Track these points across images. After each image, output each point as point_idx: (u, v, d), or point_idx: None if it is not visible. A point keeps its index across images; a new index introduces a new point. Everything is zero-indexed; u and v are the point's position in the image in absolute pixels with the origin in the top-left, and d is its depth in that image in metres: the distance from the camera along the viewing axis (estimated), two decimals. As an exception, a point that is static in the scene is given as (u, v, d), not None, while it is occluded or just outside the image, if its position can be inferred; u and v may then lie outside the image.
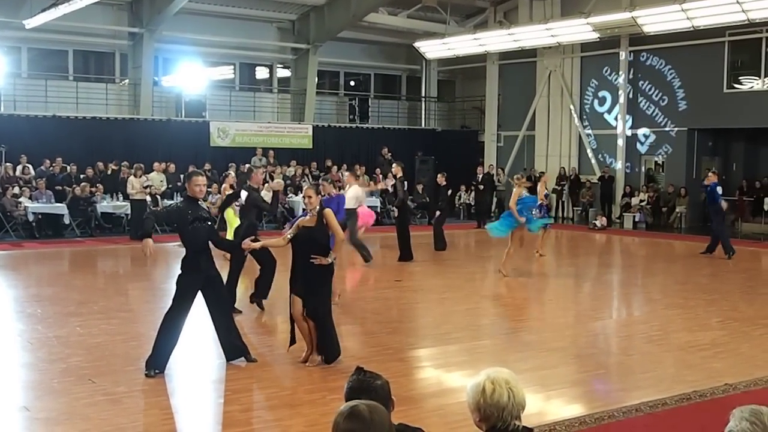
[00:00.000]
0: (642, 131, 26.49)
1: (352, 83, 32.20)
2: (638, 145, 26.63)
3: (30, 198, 20.61)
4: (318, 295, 8.35)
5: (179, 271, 8.31)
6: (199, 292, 8.32)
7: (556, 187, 27.49)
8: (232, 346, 8.55)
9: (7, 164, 21.68)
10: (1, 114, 23.25)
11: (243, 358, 8.53)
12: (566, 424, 6.72)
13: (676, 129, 25.54)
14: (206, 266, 8.28)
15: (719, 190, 18.03)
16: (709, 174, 18.86)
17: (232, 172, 18.58)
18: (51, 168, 22.24)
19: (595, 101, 27.67)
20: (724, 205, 17.95)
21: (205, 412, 7.28)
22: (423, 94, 32.73)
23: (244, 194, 11.61)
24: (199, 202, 8.50)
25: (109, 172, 22.70)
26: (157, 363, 8.06)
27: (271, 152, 25.87)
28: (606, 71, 27.24)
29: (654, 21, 23.56)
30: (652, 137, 26.21)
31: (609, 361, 9.29)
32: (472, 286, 14.85)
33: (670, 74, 25.56)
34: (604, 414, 6.97)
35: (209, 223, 8.34)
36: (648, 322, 11.37)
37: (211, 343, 9.59)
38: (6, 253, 18.22)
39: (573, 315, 12.19)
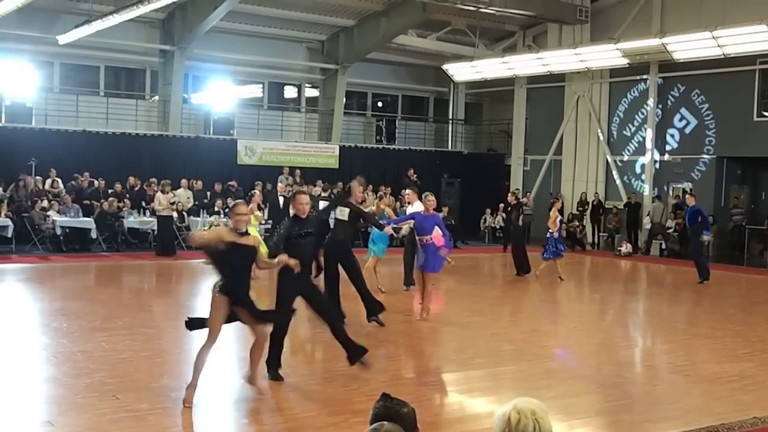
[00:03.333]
0: (670, 158, 26.32)
1: (380, 104, 32.29)
2: (666, 172, 26.45)
3: (58, 212, 20.79)
4: None
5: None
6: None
7: (575, 212, 27.41)
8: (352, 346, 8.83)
9: (37, 177, 21.88)
10: (33, 128, 23.51)
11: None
12: (591, 454, 6.64)
13: (704, 157, 25.38)
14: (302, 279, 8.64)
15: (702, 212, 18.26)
16: (687, 197, 19.09)
17: (257, 191, 18.68)
18: (80, 182, 22.43)
19: (623, 127, 27.55)
20: (705, 237, 18.09)
21: (227, 431, 7.26)
22: (450, 117, 32.75)
23: (343, 210, 11.84)
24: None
25: (136, 188, 22.85)
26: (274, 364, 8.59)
27: (298, 171, 25.96)
28: (635, 97, 27.14)
29: (684, 48, 23.45)
30: (681, 164, 26.04)
31: (634, 390, 9.18)
32: (496, 310, 14.77)
33: (700, 101, 25.43)
34: (630, 445, 6.88)
35: (311, 238, 8.78)
36: (674, 351, 11.25)
37: (235, 362, 9.60)
38: (33, 266, 18.38)
39: (598, 343, 12.07)
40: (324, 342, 11.36)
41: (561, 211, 18.74)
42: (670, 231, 25.32)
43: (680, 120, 25.99)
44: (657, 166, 26.62)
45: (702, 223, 18.56)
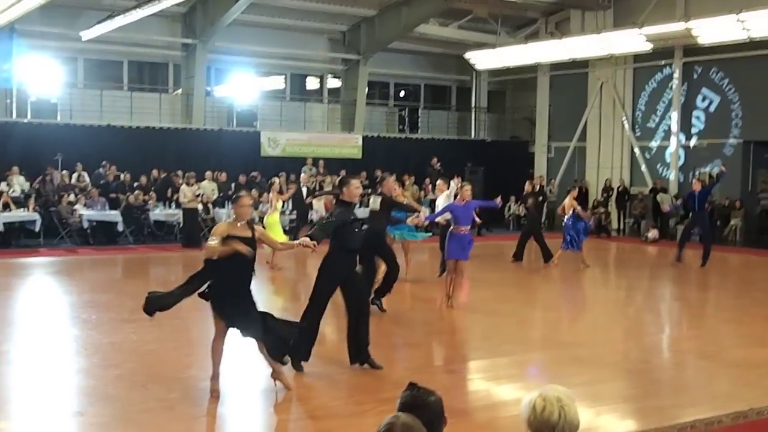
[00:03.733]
0: (696, 143, 26.12)
1: (402, 94, 32.22)
2: (691, 157, 26.25)
3: (85, 205, 20.96)
4: None
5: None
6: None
7: (600, 199, 27.27)
8: (360, 348, 8.71)
9: (64, 172, 22.07)
10: (58, 123, 23.70)
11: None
12: (619, 440, 6.63)
13: (731, 141, 25.14)
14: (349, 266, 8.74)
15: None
16: (694, 181, 19.06)
17: (277, 180, 18.75)
18: (107, 172, 22.58)
19: (648, 112, 27.35)
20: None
21: (256, 420, 7.32)
22: (473, 105, 32.64)
23: (376, 200, 12.06)
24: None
25: (160, 179, 22.98)
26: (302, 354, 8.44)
27: (321, 162, 26.00)
28: (659, 82, 26.92)
29: (709, 31, 23.20)
30: (707, 149, 25.83)
31: (662, 376, 9.15)
32: (522, 297, 14.75)
33: (726, 85, 25.17)
34: (659, 430, 6.86)
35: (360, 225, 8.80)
36: (702, 337, 11.20)
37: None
38: (61, 260, 18.56)
39: (625, 329, 12.03)
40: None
41: (578, 199, 18.60)
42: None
43: (706, 104, 25.74)
44: (683, 151, 26.40)
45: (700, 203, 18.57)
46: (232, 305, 7.68)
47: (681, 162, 26.45)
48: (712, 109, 25.61)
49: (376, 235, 11.61)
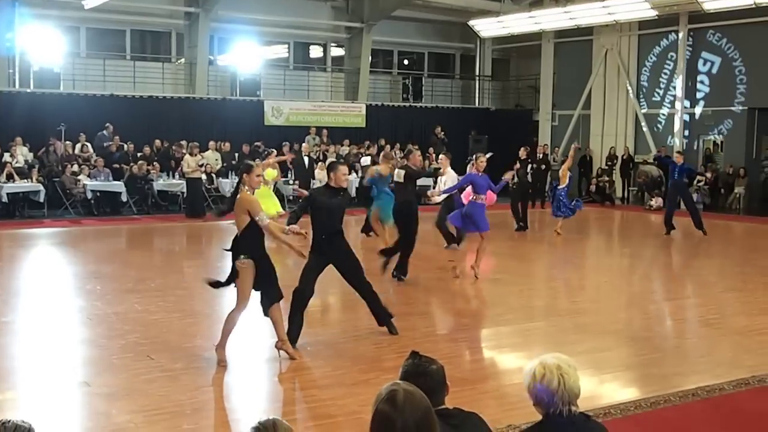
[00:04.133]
0: (700, 110, 26.01)
1: (406, 62, 32.07)
2: (696, 124, 26.16)
3: (88, 176, 20.98)
4: None
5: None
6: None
7: (605, 167, 27.24)
8: (380, 311, 8.87)
9: (67, 142, 22.06)
10: (61, 93, 23.64)
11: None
12: (621, 407, 6.67)
13: (735, 108, 25.03)
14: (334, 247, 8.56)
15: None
16: (676, 155, 19.13)
17: (275, 151, 18.82)
18: (109, 143, 22.52)
19: (653, 80, 27.20)
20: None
21: (261, 389, 7.38)
22: (477, 73, 32.47)
23: (399, 172, 12.50)
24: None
25: (158, 149, 22.95)
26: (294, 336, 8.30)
27: (325, 131, 25.96)
28: (664, 49, 26.75)
29: (714, -2, 23.04)
30: (712, 116, 25.72)
31: (665, 344, 9.18)
32: (525, 267, 14.77)
33: (731, 52, 25.01)
34: (660, 398, 6.90)
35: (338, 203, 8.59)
36: (705, 305, 11.22)
37: (266, 323, 9.70)
38: (65, 230, 18.61)
39: (628, 297, 12.07)
40: (354, 300, 11.46)
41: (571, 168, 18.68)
42: (701, 184, 25.08)
43: (710, 71, 25.59)
44: (687, 118, 26.29)
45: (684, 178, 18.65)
46: (272, 272, 7.89)
47: (686, 130, 26.34)
48: (716, 76, 25.46)
49: (404, 205, 12.20)
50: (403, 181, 12.34)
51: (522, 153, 19.68)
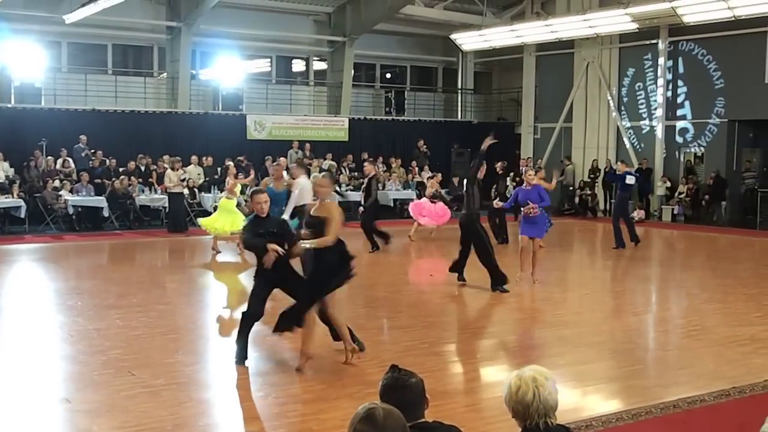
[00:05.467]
0: (681, 122, 26.20)
1: (389, 75, 32.16)
2: (676, 137, 26.35)
3: (70, 191, 20.88)
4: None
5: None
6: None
7: (587, 179, 27.36)
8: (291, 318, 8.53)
9: (48, 158, 21.96)
10: (42, 108, 23.55)
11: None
12: (603, 420, 6.68)
13: (716, 120, 25.22)
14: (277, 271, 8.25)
15: (629, 180, 18.53)
16: (619, 163, 19.31)
17: (232, 164, 19.29)
18: (88, 155, 22.44)
19: (634, 92, 27.38)
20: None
21: (243, 405, 7.33)
22: (459, 86, 32.61)
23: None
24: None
25: (143, 167, 22.88)
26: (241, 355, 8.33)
27: (308, 145, 25.97)
28: (645, 62, 26.95)
29: (694, 11, 23.20)
30: (692, 128, 25.91)
31: (646, 356, 9.23)
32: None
33: (711, 65, 25.22)
34: (642, 410, 6.92)
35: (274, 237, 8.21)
36: (686, 316, 11.27)
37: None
38: (46, 246, 18.50)
39: (610, 309, 12.10)
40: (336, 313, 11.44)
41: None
42: (682, 196, 25.24)
43: (691, 83, 25.79)
44: (668, 130, 26.45)
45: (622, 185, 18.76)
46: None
47: (667, 142, 26.50)
48: (696, 88, 25.65)
49: (465, 219, 12.71)
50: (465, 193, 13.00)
51: (499, 168, 19.71)
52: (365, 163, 18.78)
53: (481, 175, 13.50)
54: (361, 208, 17.89)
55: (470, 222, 12.72)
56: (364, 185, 18.45)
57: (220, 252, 16.86)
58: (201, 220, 17.19)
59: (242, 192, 17.92)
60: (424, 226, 19.51)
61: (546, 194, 13.42)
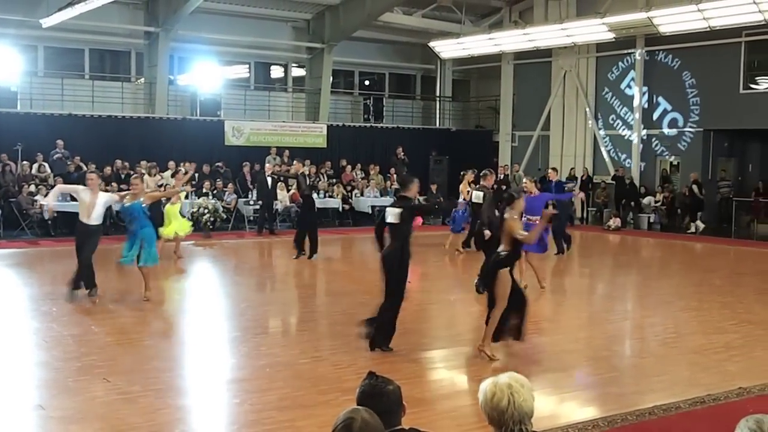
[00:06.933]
0: (657, 131, 26.40)
1: (367, 83, 32.20)
2: (653, 146, 26.54)
3: (45, 196, 20.68)
4: None
5: None
6: None
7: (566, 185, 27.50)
8: None
9: (24, 162, 21.78)
10: (18, 112, 23.38)
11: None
12: (579, 427, 6.71)
13: (691, 129, 25.43)
14: None
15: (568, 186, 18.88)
16: (549, 171, 19.53)
17: (183, 168, 19.46)
18: (60, 152, 22.31)
19: (610, 101, 27.57)
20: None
21: (218, 412, 7.30)
22: (438, 94, 32.70)
23: (478, 194, 13.36)
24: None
25: (123, 176, 22.76)
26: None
27: (286, 152, 25.90)
28: (621, 71, 27.15)
29: (670, 21, 23.46)
30: (668, 137, 26.12)
31: (622, 363, 9.27)
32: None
33: (686, 74, 25.45)
34: (618, 417, 6.95)
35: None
36: (662, 324, 11.34)
37: (225, 344, 9.65)
38: (22, 251, 18.33)
39: (586, 317, 12.16)
40: (313, 321, 11.45)
41: (475, 182, 18.89)
42: (658, 204, 25.42)
43: (667, 93, 26.00)
44: (644, 139, 26.65)
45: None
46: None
47: (642, 150, 26.70)
48: (672, 98, 25.87)
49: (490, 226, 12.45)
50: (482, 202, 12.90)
51: (469, 176, 19.66)
52: (295, 161, 18.81)
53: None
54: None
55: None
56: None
57: (182, 257, 16.92)
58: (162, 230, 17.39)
59: (186, 197, 18.73)
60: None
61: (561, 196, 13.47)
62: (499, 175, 24.59)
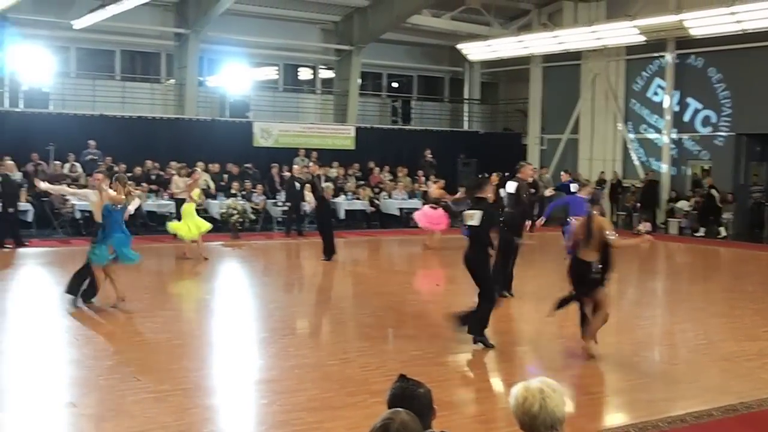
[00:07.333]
0: (688, 135, 26.18)
1: (395, 85, 32.20)
2: (684, 149, 26.32)
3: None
4: None
5: None
6: None
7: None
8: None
9: (56, 162, 21.99)
10: (50, 113, 23.62)
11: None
12: (609, 433, 6.66)
13: (723, 133, 25.20)
14: None
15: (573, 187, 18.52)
16: (562, 173, 19.40)
17: (198, 169, 19.59)
18: (92, 152, 22.52)
19: (640, 104, 27.38)
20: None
21: (247, 412, 7.33)
22: (466, 96, 32.64)
23: (512, 185, 13.02)
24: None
25: (153, 177, 22.93)
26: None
27: (314, 153, 25.96)
28: (652, 74, 26.96)
29: (702, 24, 23.21)
30: (699, 141, 25.89)
31: (653, 369, 9.19)
32: (514, 290, 14.73)
33: (718, 78, 25.22)
34: (649, 424, 6.89)
35: None
36: (693, 330, 11.24)
37: (253, 344, 9.69)
38: (53, 250, 18.50)
39: (616, 322, 12.04)
40: (341, 322, 11.45)
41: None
42: (689, 209, 25.19)
43: (698, 96, 25.79)
44: (675, 143, 26.45)
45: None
46: None
47: (673, 154, 26.50)
48: (704, 101, 25.65)
49: (515, 219, 12.79)
50: (515, 193, 12.75)
51: (494, 178, 19.55)
52: (311, 163, 18.80)
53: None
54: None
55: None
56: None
57: (208, 258, 16.98)
58: (170, 224, 17.48)
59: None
60: (430, 232, 19.45)
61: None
62: (500, 178, 24.39)
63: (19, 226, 19.29)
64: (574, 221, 12.63)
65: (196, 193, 17.51)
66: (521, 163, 13.88)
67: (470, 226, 9.52)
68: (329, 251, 17.08)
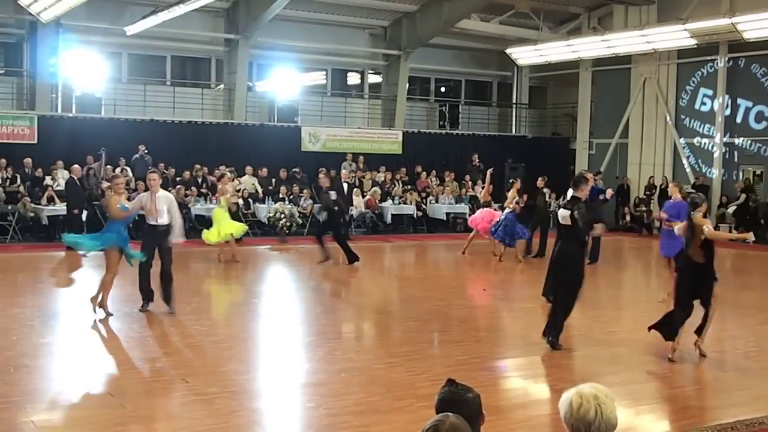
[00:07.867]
0: (740, 139, 25.77)
1: (443, 89, 32.16)
2: (737, 153, 25.91)
3: (128, 199, 21.11)
4: None
5: None
6: None
7: (642, 196, 27.03)
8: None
9: (108, 166, 22.33)
10: (102, 117, 24.00)
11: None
12: (658, 440, 6.58)
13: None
14: None
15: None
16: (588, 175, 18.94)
17: (228, 173, 19.75)
18: (142, 156, 22.85)
19: (691, 109, 27.02)
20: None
21: (294, 415, 7.37)
22: (514, 101, 32.49)
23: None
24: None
25: (200, 178, 23.18)
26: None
27: (361, 158, 26.06)
28: (703, 78, 26.59)
29: (755, 27, 22.86)
30: (751, 146, 25.47)
31: (703, 376, 9.06)
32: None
33: (763, 72, 24.79)
34: (699, 431, 6.81)
35: None
36: (744, 337, 11.07)
37: (300, 348, 9.74)
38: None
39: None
40: (387, 327, 11.47)
41: (520, 193, 18.48)
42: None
43: (750, 100, 25.38)
44: (726, 148, 26.05)
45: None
46: None
47: (725, 159, 26.10)
48: (757, 106, 25.23)
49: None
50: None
51: (539, 183, 19.45)
52: (320, 175, 18.62)
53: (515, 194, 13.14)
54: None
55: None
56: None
57: (239, 261, 17.09)
58: (204, 233, 17.53)
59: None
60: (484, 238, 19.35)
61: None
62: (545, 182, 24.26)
63: (84, 229, 19.63)
64: (669, 226, 12.80)
65: (224, 199, 17.58)
66: (581, 173, 13.29)
67: (562, 225, 9.64)
68: (352, 256, 17.13)
